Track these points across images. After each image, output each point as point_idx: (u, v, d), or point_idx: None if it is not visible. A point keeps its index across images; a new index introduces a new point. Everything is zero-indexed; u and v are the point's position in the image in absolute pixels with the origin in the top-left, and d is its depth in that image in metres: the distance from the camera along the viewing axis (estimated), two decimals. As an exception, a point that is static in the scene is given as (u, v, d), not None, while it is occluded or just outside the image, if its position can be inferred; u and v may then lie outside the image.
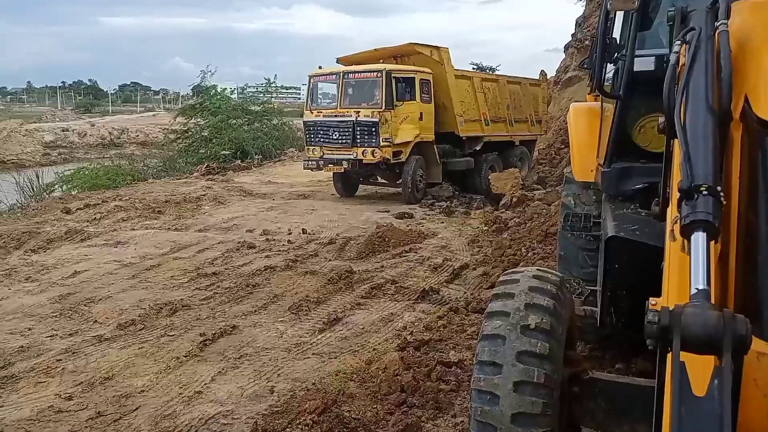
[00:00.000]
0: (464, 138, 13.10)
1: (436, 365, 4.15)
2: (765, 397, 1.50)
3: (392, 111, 11.62)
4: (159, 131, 31.76)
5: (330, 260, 7.45)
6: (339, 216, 10.60)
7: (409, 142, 11.88)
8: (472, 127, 13.26)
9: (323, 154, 12.14)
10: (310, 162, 12.40)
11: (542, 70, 17.48)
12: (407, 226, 9.38)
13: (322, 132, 12.23)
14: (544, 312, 2.16)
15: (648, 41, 3.11)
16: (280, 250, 7.95)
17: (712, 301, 1.35)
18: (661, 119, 2.01)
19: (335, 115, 12.10)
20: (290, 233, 9.02)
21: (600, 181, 3.36)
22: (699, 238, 1.44)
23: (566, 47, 21.83)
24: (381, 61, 12.68)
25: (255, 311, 5.62)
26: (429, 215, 10.91)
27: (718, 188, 1.52)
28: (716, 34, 1.88)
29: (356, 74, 12.26)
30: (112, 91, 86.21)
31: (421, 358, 4.31)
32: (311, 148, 12.42)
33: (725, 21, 1.89)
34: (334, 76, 12.43)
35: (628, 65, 2.93)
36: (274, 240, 8.56)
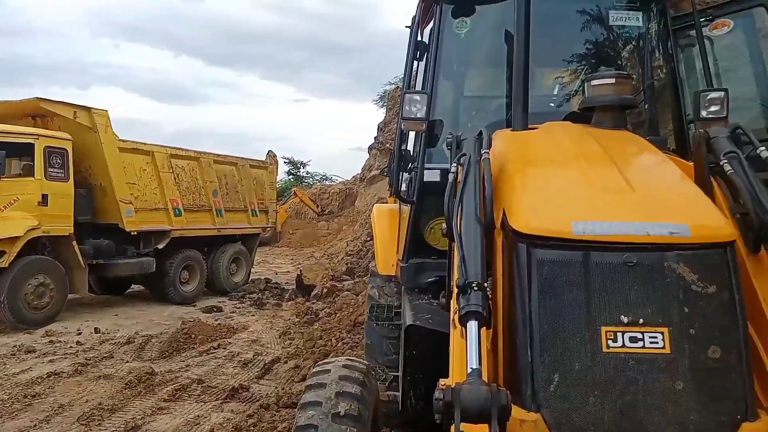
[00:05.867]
0: (136, 233, 10.07)
1: (246, 467, 4.02)
2: None
3: None
4: None
5: (128, 362, 6.85)
6: (139, 312, 9.86)
7: (15, 239, 8.28)
8: (150, 218, 10.23)
9: None
10: None
11: (270, 150, 14.47)
12: (216, 320, 9.06)
13: None
14: (352, 399, 2.32)
15: (435, 156, 3.64)
16: (66, 353, 7.11)
17: (484, 379, 1.65)
18: (444, 225, 2.40)
19: None
20: (80, 333, 8.14)
21: (399, 275, 3.73)
22: (472, 326, 1.76)
23: (370, 148, 23.84)
24: None
25: (35, 426, 4.91)
26: (239, 308, 10.67)
27: (486, 284, 1.90)
28: (481, 160, 2.37)
29: None
30: None
31: (231, 461, 4.15)
32: None
33: (487, 150, 2.40)
34: None
35: (419, 176, 3.41)
36: (60, 342, 7.65)
